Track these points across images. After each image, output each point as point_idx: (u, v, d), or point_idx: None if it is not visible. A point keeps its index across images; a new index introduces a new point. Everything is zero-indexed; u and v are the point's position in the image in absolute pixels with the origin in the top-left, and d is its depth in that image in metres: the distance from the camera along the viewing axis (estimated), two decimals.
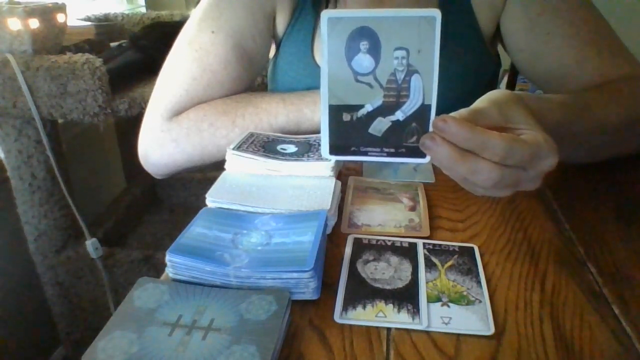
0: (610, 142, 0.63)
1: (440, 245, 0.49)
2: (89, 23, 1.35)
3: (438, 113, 0.39)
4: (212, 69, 0.67)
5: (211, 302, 0.39)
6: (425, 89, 0.39)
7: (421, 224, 0.53)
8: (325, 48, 0.38)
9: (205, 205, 0.52)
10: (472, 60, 0.73)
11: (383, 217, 0.54)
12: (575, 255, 0.49)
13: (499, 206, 0.57)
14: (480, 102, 0.44)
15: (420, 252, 0.48)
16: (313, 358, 0.37)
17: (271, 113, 0.66)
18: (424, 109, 0.39)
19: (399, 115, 0.39)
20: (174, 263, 0.42)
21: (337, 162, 0.57)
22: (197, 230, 0.46)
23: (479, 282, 0.44)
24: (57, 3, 1.04)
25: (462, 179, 0.42)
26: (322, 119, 0.40)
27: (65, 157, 1.17)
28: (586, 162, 0.64)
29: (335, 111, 0.40)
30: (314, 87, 0.71)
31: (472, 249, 0.49)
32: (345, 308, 0.41)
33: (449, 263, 0.47)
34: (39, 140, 1.08)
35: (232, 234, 0.46)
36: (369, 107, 0.40)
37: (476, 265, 0.46)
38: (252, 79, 0.73)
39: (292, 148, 0.60)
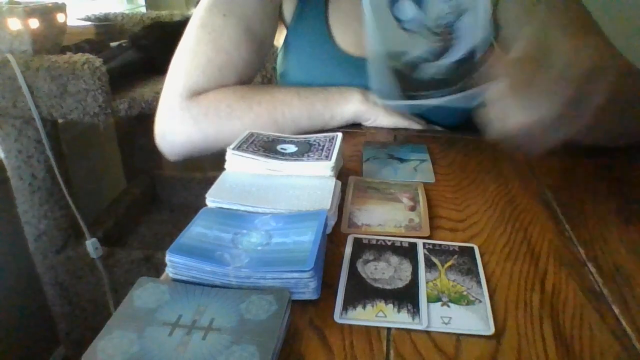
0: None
1: (440, 245, 0.49)
2: (89, 23, 1.35)
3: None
4: (226, 49, 0.69)
5: (211, 302, 0.39)
6: (475, 28, 0.37)
7: (421, 223, 0.53)
8: None
9: (205, 205, 0.52)
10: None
11: (383, 217, 0.54)
12: (575, 255, 0.49)
13: (499, 206, 0.57)
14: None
15: (420, 252, 0.48)
16: (313, 358, 0.37)
17: (286, 103, 0.67)
18: (474, 50, 0.38)
19: (448, 58, 0.38)
20: (174, 263, 0.42)
21: (337, 161, 0.57)
22: (197, 230, 0.46)
23: (479, 282, 0.44)
24: (57, 3, 1.04)
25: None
26: (370, 66, 0.39)
27: (65, 157, 1.17)
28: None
29: (382, 58, 0.38)
30: (330, 65, 0.72)
31: (472, 249, 0.49)
32: (345, 308, 0.41)
33: (449, 263, 0.47)
34: (39, 140, 1.07)
35: (232, 233, 0.46)
36: (416, 53, 0.38)
37: (476, 265, 0.46)
38: (261, 63, 0.75)
39: (292, 148, 0.60)
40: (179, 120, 0.67)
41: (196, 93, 0.68)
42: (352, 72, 0.74)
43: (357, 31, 0.75)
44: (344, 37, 0.76)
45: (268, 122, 0.67)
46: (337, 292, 0.43)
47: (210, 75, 0.68)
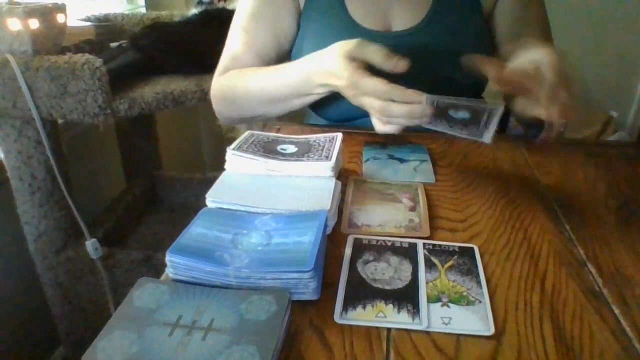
0: None
1: (440, 245, 0.49)
2: (89, 23, 1.34)
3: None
4: (238, 35, 0.84)
5: (211, 302, 0.39)
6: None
7: (421, 224, 0.53)
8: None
9: (205, 205, 0.52)
10: (471, 32, 0.80)
11: (383, 217, 0.54)
12: (575, 255, 0.49)
13: (499, 206, 0.57)
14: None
15: (420, 252, 0.48)
16: (313, 358, 0.37)
17: (266, 75, 0.76)
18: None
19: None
20: (174, 263, 0.42)
21: (337, 161, 0.57)
22: (197, 230, 0.46)
23: (479, 282, 0.44)
24: (57, 3, 1.04)
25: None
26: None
27: (65, 157, 1.16)
28: None
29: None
30: (347, 39, 0.74)
31: (472, 249, 0.49)
32: (345, 308, 0.41)
33: (449, 263, 0.47)
34: (38, 141, 1.07)
35: (232, 234, 0.46)
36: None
37: (476, 266, 0.46)
38: (277, 41, 0.84)
39: (292, 148, 0.60)
40: (212, 94, 0.85)
41: (225, 71, 0.83)
42: None
43: (372, 4, 0.78)
44: (359, 11, 0.78)
45: (247, 93, 0.77)
46: (337, 292, 0.43)
47: (234, 56, 0.84)
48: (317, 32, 0.80)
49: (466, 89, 0.81)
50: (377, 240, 0.50)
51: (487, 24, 0.82)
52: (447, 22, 0.78)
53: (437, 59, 0.77)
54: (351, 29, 0.78)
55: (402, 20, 0.78)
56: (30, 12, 0.97)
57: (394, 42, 0.78)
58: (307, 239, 0.44)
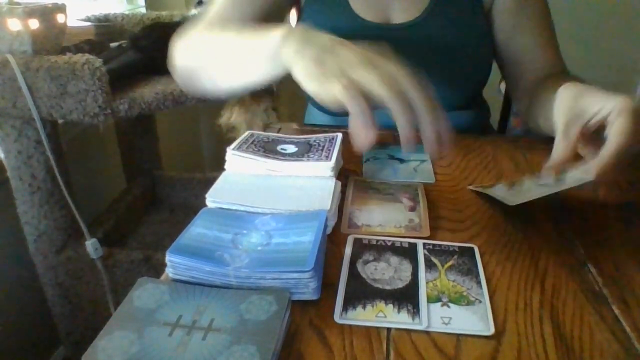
0: None
1: (440, 245, 0.49)
2: (89, 23, 1.34)
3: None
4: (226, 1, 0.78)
5: (211, 302, 0.39)
6: None
7: (421, 224, 0.53)
8: None
9: (205, 205, 0.52)
10: (471, 27, 0.80)
11: (383, 217, 0.54)
12: (575, 255, 0.49)
13: (498, 206, 0.57)
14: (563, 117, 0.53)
15: (420, 252, 0.48)
16: (313, 358, 0.37)
17: (240, 31, 0.68)
18: None
19: None
20: (174, 263, 0.42)
21: (337, 161, 0.58)
22: (197, 230, 0.46)
23: (479, 282, 0.44)
24: (57, 3, 1.04)
25: None
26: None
27: (65, 157, 1.16)
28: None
29: None
30: (350, 32, 0.70)
31: (472, 249, 0.49)
32: (345, 308, 0.41)
33: (449, 263, 0.47)
34: (39, 141, 1.07)
35: (232, 234, 0.46)
36: None
37: (476, 265, 0.46)
38: (268, 5, 0.78)
39: (292, 148, 0.60)
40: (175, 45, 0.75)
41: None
42: (372, 38, 0.75)
43: None
44: (360, 4, 0.79)
45: (206, 48, 0.69)
46: (337, 292, 0.43)
47: (214, 15, 0.77)
48: (317, 23, 0.80)
49: (465, 83, 0.81)
50: (377, 240, 0.50)
51: (487, 20, 0.82)
52: (447, 16, 0.78)
53: (437, 53, 0.77)
54: (352, 21, 0.78)
55: (402, 13, 0.79)
56: (30, 12, 0.97)
57: (393, 35, 0.78)
58: (307, 239, 0.44)
